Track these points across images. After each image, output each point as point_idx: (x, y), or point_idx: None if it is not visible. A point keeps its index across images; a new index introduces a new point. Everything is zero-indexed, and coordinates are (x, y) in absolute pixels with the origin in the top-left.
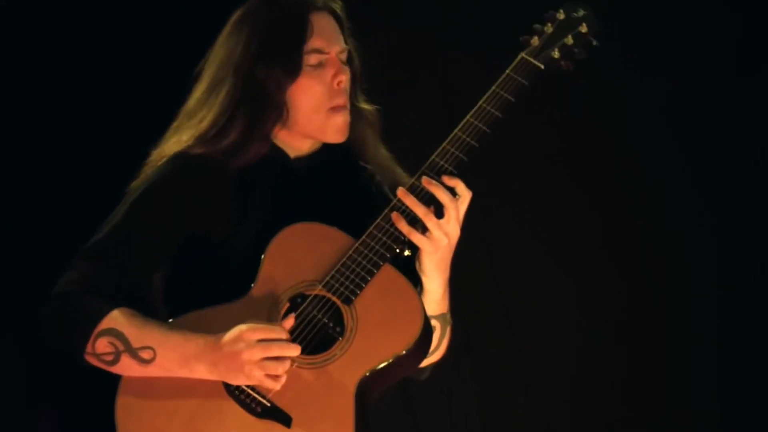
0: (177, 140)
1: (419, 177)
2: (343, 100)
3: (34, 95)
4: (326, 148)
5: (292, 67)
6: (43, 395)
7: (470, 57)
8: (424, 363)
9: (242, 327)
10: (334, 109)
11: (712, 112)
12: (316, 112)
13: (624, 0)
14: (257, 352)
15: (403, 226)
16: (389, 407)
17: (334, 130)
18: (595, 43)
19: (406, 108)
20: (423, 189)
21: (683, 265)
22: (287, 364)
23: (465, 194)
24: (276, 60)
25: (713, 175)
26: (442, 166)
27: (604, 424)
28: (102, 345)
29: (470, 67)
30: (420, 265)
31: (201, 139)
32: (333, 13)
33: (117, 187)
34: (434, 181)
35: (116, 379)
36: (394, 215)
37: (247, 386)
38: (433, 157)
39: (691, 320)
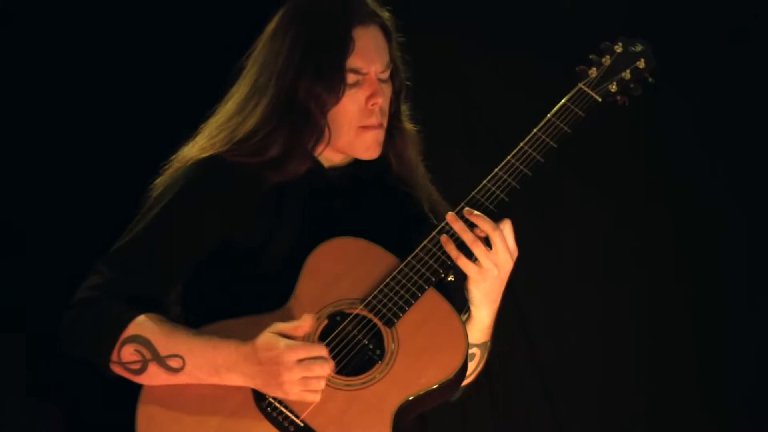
0: (209, 142)
1: (470, 203)
2: (376, 120)
3: (45, 91)
4: (360, 160)
5: (335, 89)
6: (55, 401)
7: (488, 60)
8: None
9: (280, 344)
10: (365, 128)
11: (739, 115)
12: (347, 130)
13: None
14: (297, 372)
15: (452, 250)
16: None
17: (364, 147)
18: (651, 80)
19: (423, 113)
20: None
21: (709, 272)
22: (324, 381)
23: (504, 224)
24: (319, 79)
25: (740, 181)
26: (494, 192)
27: None
28: (128, 353)
29: (488, 70)
30: (468, 293)
31: (237, 147)
32: (381, 26)
33: (130, 186)
34: (476, 211)
35: (136, 385)
36: (443, 238)
37: (280, 403)
38: (484, 182)
39: (717, 332)
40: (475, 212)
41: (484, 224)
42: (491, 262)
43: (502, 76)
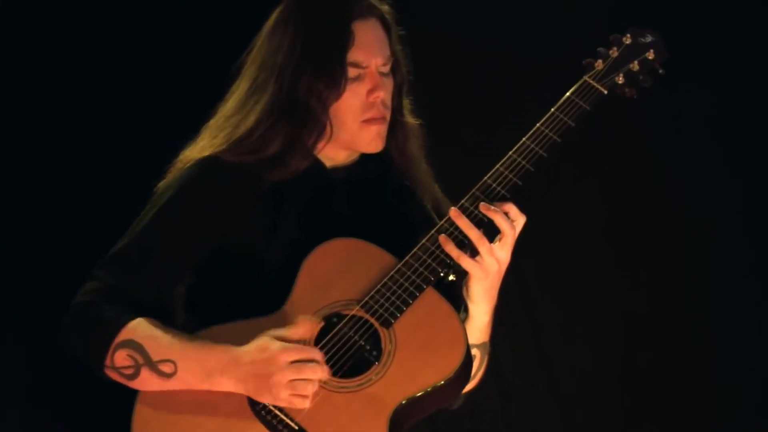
0: (210, 142)
1: (471, 199)
2: (378, 112)
3: (46, 93)
4: (363, 159)
5: (336, 84)
6: (55, 406)
7: (488, 60)
8: None
9: (273, 346)
10: (368, 121)
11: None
12: (350, 124)
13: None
14: (288, 374)
15: (452, 250)
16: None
17: (368, 140)
18: (661, 71)
19: (432, 112)
20: (473, 211)
21: (720, 275)
22: (316, 385)
23: (519, 219)
24: (319, 74)
25: (755, 188)
26: (495, 189)
27: None
28: (121, 358)
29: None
30: (467, 291)
31: (236, 145)
32: (380, 19)
33: (134, 189)
34: (492, 207)
35: (132, 389)
36: (442, 238)
37: (275, 407)
38: (485, 178)
39: (721, 333)
40: (492, 208)
41: (502, 222)
42: (494, 259)
43: (503, 74)
